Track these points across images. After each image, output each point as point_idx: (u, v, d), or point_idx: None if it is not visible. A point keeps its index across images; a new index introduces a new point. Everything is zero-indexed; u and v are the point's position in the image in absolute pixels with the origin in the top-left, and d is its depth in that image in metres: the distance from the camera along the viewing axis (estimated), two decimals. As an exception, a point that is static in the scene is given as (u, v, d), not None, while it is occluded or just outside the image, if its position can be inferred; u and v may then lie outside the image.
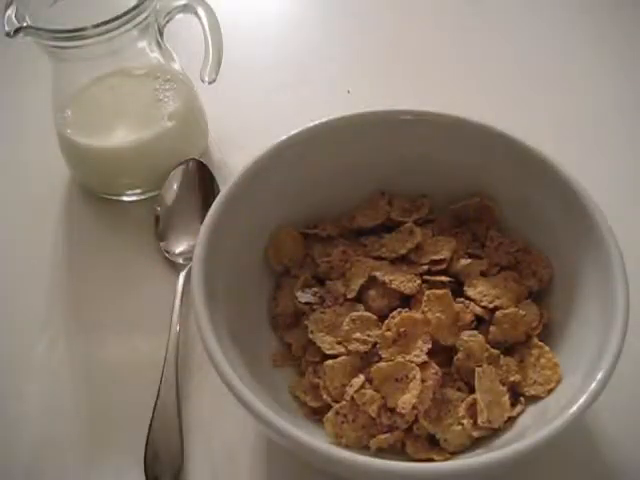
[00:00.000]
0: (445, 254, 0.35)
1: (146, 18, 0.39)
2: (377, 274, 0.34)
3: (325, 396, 0.31)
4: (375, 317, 0.33)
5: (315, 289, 0.35)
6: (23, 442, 0.34)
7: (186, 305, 0.38)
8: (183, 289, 0.39)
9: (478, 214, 0.37)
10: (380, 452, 0.30)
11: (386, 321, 0.32)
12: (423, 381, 0.30)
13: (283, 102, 0.51)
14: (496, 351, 0.32)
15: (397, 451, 0.30)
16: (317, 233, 0.37)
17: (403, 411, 0.30)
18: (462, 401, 0.30)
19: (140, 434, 0.33)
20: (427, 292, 0.33)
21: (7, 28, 0.36)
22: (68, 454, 0.34)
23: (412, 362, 0.31)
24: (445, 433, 0.30)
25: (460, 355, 0.32)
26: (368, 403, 0.30)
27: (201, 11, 0.41)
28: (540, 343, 0.32)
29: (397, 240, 0.36)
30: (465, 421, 0.30)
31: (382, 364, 0.31)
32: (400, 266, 0.35)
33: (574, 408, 0.26)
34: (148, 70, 0.43)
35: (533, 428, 0.27)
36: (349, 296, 0.34)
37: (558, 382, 0.30)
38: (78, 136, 0.42)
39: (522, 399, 0.31)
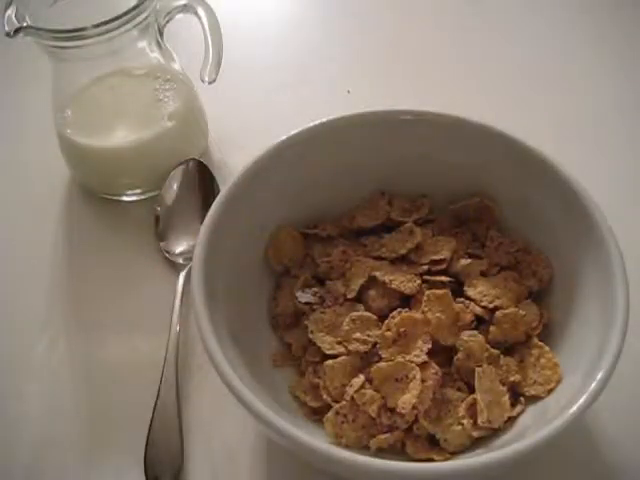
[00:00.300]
0: (445, 254, 0.35)
1: (146, 18, 0.39)
2: (377, 274, 0.34)
3: (325, 396, 0.31)
4: (375, 317, 0.33)
5: (315, 289, 0.35)
6: (23, 442, 0.34)
7: (186, 305, 0.38)
8: (183, 289, 0.39)
9: (478, 214, 0.37)
10: (380, 452, 0.30)
11: (386, 321, 0.32)
12: (423, 381, 0.30)
13: (283, 102, 0.51)
14: (496, 351, 0.32)
15: (397, 451, 0.30)
16: (317, 233, 0.37)
17: (403, 411, 0.30)
18: (462, 401, 0.30)
19: (140, 434, 0.33)
20: (427, 292, 0.33)
21: (7, 28, 0.36)
22: (68, 454, 0.34)
23: (412, 362, 0.31)
24: (445, 433, 0.30)
25: (460, 355, 0.32)
26: (368, 403, 0.30)
27: (201, 11, 0.41)
28: (540, 343, 0.32)
29: (397, 240, 0.36)
30: (465, 421, 0.30)
31: (382, 364, 0.31)
32: (400, 266, 0.35)
33: (574, 408, 0.26)
34: (148, 70, 0.43)
35: (533, 428, 0.27)
36: (349, 296, 0.34)
37: (558, 382, 0.30)
38: (78, 136, 0.42)
39: (522, 399, 0.31)
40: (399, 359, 0.31)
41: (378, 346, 0.32)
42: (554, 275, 0.34)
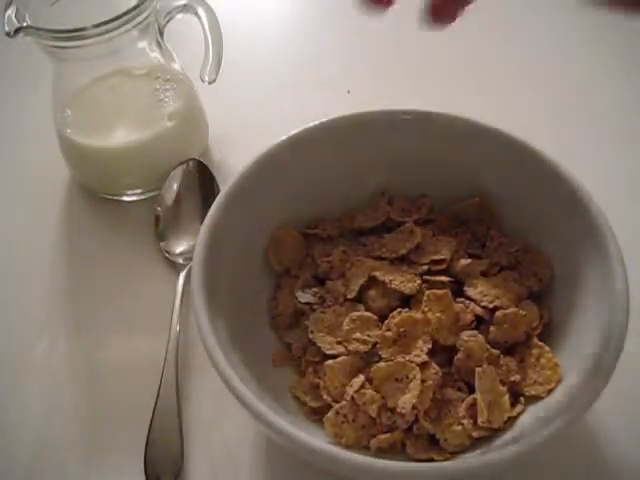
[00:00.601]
0: (445, 254, 0.35)
1: (146, 18, 0.39)
2: (377, 274, 0.34)
3: (325, 396, 0.31)
4: (375, 317, 0.33)
5: (315, 289, 0.35)
6: (23, 442, 0.34)
7: (186, 305, 0.38)
8: (183, 289, 0.39)
9: (478, 214, 0.37)
10: (380, 452, 0.30)
11: (386, 321, 0.32)
12: (423, 381, 0.30)
13: (283, 102, 0.51)
14: (496, 351, 0.32)
15: (397, 451, 0.30)
16: (317, 233, 0.37)
17: (403, 411, 0.30)
18: (462, 401, 0.30)
19: (140, 434, 0.33)
20: (427, 292, 0.33)
21: (7, 28, 0.36)
22: (68, 454, 0.34)
23: (412, 362, 0.31)
24: (445, 433, 0.30)
25: (460, 355, 0.31)
26: (368, 403, 0.30)
27: (201, 11, 0.41)
28: (540, 343, 0.32)
29: (397, 240, 0.36)
30: (465, 421, 0.30)
31: (382, 364, 0.31)
32: (400, 266, 0.35)
33: (574, 408, 0.26)
34: (148, 70, 0.43)
35: (533, 428, 0.27)
36: (349, 296, 0.34)
37: (558, 382, 0.30)
38: (78, 136, 0.42)
39: (522, 399, 0.31)
40: (399, 359, 0.31)
41: (378, 346, 0.32)
42: (554, 275, 0.34)
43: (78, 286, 0.41)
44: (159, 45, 0.42)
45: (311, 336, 0.33)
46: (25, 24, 0.36)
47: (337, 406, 0.31)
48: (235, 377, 0.27)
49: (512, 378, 0.31)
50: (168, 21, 0.42)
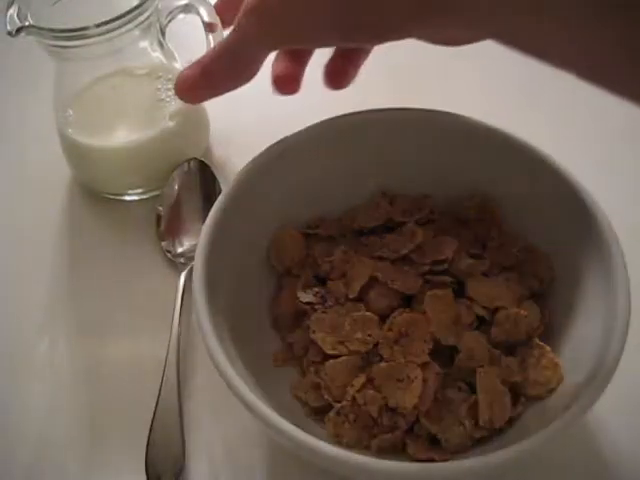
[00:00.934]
0: (447, 254, 0.35)
1: (148, 18, 0.39)
2: (378, 274, 0.34)
3: (326, 396, 0.31)
4: (376, 317, 0.33)
5: (316, 289, 0.35)
6: (23, 442, 0.34)
7: (187, 305, 0.38)
8: (184, 289, 0.39)
9: (479, 214, 0.37)
10: (381, 452, 0.30)
11: (387, 321, 0.33)
12: (424, 381, 0.30)
13: (283, 102, 0.51)
14: (497, 351, 0.32)
15: (398, 451, 0.30)
16: (318, 233, 0.37)
17: (404, 411, 0.30)
18: (463, 401, 0.30)
19: (141, 434, 0.33)
20: (428, 292, 0.33)
21: (9, 27, 0.36)
22: (68, 453, 0.34)
23: (413, 362, 0.31)
24: (446, 433, 0.30)
25: (461, 355, 0.32)
26: (369, 403, 0.30)
27: (203, 11, 0.41)
28: (541, 343, 0.32)
29: (398, 240, 0.36)
30: (466, 421, 0.30)
31: (383, 364, 0.31)
32: (401, 266, 0.35)
33: (574, 408, 0.26)
34: (150, 70, 0.43)
35: (533, 428, 0.27)
36: (350, 296, 0.34)
37: (559, 382, 0.30)
38: (80, 136, 0.42)
39: (523, 399, 0.31)
40: (400, 359, 0.31)
41: (379, 346, 0.32)
42: (556, 275, 0.34)
43: (79, 285, 0.41)
44: (161, 45, 0.42)
45: (312, 336, 0.33)
46: (27, 23, 0.36)
47: (338, 406, 0.31)
48: (236, 377, 0.27)
49: (513, 378, 0.31)
50: (170, 21, 0.42)
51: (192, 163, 0.43)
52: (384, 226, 0.37)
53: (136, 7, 0.37)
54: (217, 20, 0.42)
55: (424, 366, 0.31)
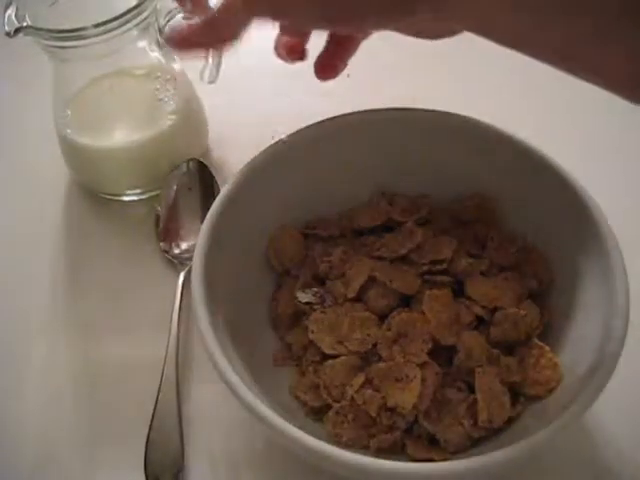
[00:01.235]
0: (446, 254, 0.35)
1: (146, 18, 0.39)
2: (377, 274, 0.34)
3: (325, 396, 0.31)
4: (375, 317, 0.33)
5: (315, 289, 0.35)
6: (22, 443, 0.34)
7: (186, 305, 0.38)
8: (183, 289, 0.39)
9: (478, 214, 0.37)
10: (380, 452, 0.30)
11: (386, 321, 0.33)
12: (423, 381, 0.30)
13: (283, 101, 0.51)
14: (496, 351, 0.32)
15: (397, 451, 0.30)
16: (317, 233, 0.37)
17: (403, 411, 0.30)
18: (462, 401, 0.30)
19: (140, 434, 0.33)
20: (427, 292, 0.33)
21: (7, 28, 0.36)
22: (67, 454, 0.34)
23: (412, 362, 0.31)
24: (445, 433, 0.30)
25: (460, 355, 0.32)
26: (368, 403, 0.30)
27: (201, 11, 0.41)
28: (540, 343, 0.32)
29: (397, 240, 0.36)
30: (465, 421, 0.30)
31: (382, 364, 0.31)
32: (400, 266, 0.35)
33: (574, 408, 0.26)
34: (148, 70, 0.43)
35: (533, 428, 0.27)
36: (349, 296, 0.34)
37: (558, 382, 0.30)
38: (78, 136, 0.42)
39: (522, 399, 0.31)
40: (399, 359, 0.31)
41: (378, 346, 0.32)
42: (554, 275, 0.34)
43: (78, 285, 0.41)
44: (159, 45, 0.42)
45: (311, 336, 0.33)
46: (25, 24, 0.36)
47: (337, 406, 0.31)
48: (235, 377, 0.27)
49: (512, 378, 0.31)
50: (168, 21, 0.41)
51: (191, 163, 0.43)
52: (383, 226, 0.37)
53: (134, 7, 0.37)
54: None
55: (423, 366, 0.31)
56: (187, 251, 0.41)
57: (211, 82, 0.42)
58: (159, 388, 0.34)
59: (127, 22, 0.37)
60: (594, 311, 0.30)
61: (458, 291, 0.34)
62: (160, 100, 0.43)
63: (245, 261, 0.35)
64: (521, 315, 0.32)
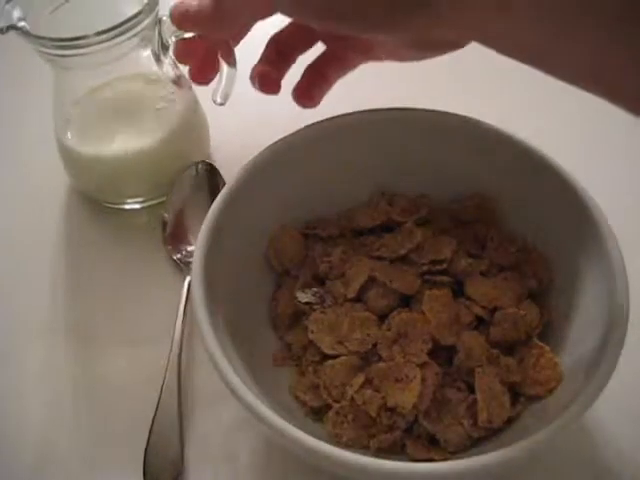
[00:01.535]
0: (445, 254, 0.35)
1: (148, 25, 0.38)
2: (377, 274, 0.34)
3: (325, 396, 0.31)
4: (375, 317, 0.33)
5: (315, 289, 0.35)
6: (22, 447, 0.34)
7: (191, 309, 0.38)
8: (188, 293, 0.38)
9: (478, 214, 0.37)
10: (380, 452, 0.30)
11: (386, 321, 0.33)
12: (423, 381, 0.30)
13: (283, 102, 0.51)
14: (496, 351, 0.32)
15: (397, 451, 0.30)
16: (317, 233, 0.37)
17: (403, 411, 0.30)
18: (462, 401, 0.30)
19: (140, 437, 0.33)
20: (427, 292, 0.33)
21: (1, 24, 0.35)
22: (68, 456, 0.34)
23: (412, 362, 0.31)
24: (445, 433, 0.30)
25: (460, 355, 0.32)
26: (368, 403, 0.30)
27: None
28: (540, 343, 0.32)
29: (397, 240, 0.36)
30: (465, 421, 0.30)
31: (382, 364, 0.31)
32: (400, 266, 0.35)
33: (574, 408, 0.26)
34: (149, 77, 0.43)
35: (533, 428, 0.27)
36: (349, 296, 0.34)
37: (558, 382, 0.30)
38: (79, 144, 0.41)
39: (522, 399, 0.31)
40: (399, 359, 0.31)
41: (378, 346, 0.32)
42: (554, 275, 0.34)
43: (80, 293, 0.41)
44: (161, 52, 0.42)
45: (311, 336, 0.33)
46: (21, 24, 0.36)
47: (337, 406, 0.31)
48: (235, 377, 0.27)
49: (512, 378, 0.31)
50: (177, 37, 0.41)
51: (200, 166, 0.43)
52: (383, 226, 0.37)
53: (136, 15, 0.37)
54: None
55: (423, 366, 0.31)
56: (193, 255, 0.40)
57: (221, 104, 0.42)
58: (160, 392, 0.34)
59: (129, 30, 0.36)
60: (594, 311, 0.30)
61: (458, 291, 0.34)
62: (162, 108, 0.43)
63: (245, 261, 0.35)
64: (521, 315, 0.32)
